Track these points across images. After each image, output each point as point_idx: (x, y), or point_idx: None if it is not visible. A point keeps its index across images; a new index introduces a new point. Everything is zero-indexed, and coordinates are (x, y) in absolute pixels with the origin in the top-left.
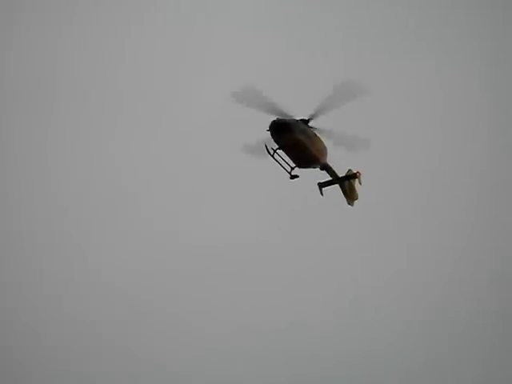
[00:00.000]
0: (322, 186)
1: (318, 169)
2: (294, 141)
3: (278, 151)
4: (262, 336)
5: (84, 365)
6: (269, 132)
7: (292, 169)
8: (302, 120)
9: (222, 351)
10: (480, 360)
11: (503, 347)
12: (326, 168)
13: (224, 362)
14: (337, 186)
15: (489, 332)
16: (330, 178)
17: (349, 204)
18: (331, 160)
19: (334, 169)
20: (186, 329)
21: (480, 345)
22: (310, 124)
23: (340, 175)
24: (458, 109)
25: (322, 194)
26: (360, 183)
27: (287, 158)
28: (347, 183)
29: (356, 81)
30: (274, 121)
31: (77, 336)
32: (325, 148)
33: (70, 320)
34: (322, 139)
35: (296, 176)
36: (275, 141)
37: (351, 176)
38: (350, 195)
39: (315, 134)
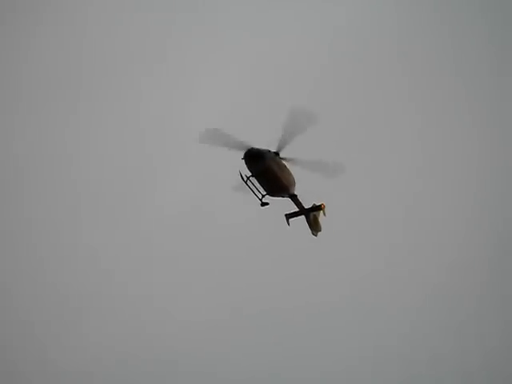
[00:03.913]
0: (288, 217)
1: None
2: (266, 169)
3: (251, 179)
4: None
5: None
6: (243, 160)
7: (263, 196)
8: (274, 152)
9: None
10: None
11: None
12: (293, 198)
13: None
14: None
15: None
16: (297, 209)
17: (313, 234)
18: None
19: (300, 200)
20: None
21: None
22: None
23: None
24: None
25: (288, 224)
26: (324, 214)
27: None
28: (312, 215)
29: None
30: (249, 149)
31: None
32: (293, 179)
33: None
34: (294, 169)
35: (266, 203)
36: (249, 168)
37: (316, 208)
38: (315, 226)
39: (285, 166)
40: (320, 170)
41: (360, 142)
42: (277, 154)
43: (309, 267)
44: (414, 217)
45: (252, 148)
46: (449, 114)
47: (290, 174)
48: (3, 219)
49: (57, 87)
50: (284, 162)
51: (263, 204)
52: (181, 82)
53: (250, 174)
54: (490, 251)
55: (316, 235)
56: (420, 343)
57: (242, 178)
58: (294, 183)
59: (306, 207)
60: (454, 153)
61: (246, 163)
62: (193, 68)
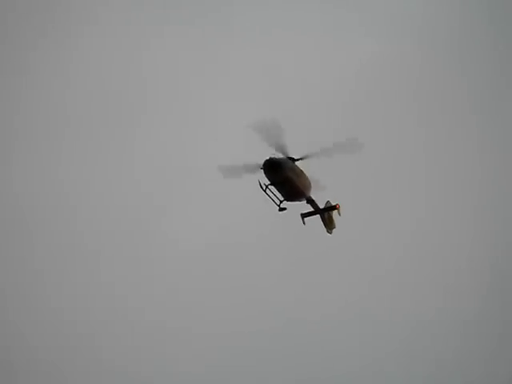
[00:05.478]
0: (304, 216)
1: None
2: (284, 178)
3: (269, 187)
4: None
5: None
6: (262, 170)
7: (281, 202)
8: (290, 158)
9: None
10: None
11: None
12: (310, 201)
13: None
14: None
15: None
16: (312, 209)
17: (327, 232)
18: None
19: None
20: None
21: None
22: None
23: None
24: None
25: (304, 223)
26: (339, 214)
27: (277, 193)
28: (327, 214)
29: (356, 139)
30: (268, 160)
31: None
32: (310, 183)
33: None
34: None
35: (284, 208)
36: (267, 178)
37: (332, 208)
38: (329, 225)
39: (302, 171)
40: (338, 151)
41: (370, 149)
42: (292, 159)
43: (323, 275)
44: (421, 220)
45: (271, 158)
46: (454, 123)
47: (306, 178)
48: (17, 267)
49: (68, 125)
50: (300, 161)
51: (281, 209)
52: (195, 113)
53: (268, 182)
54: (493, 253)
55: (331, 233)
56: (427, 344)
57: (261, 187)
58: (310, 187)
59: (321, 207)
60: (458, 159)
61: (265, 173)
62: (208, 100)
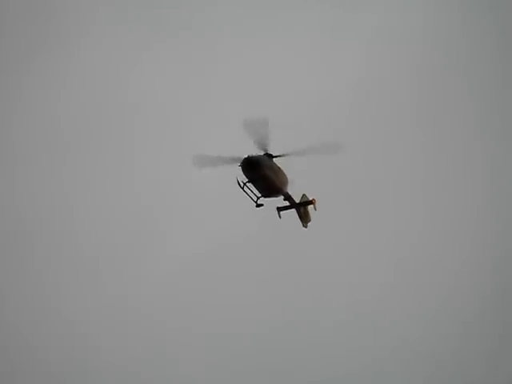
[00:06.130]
0: (280, 209)
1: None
2: (262, 176)
3: (247, 184)
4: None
5: None
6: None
7: (258, 198)
8: (267, 154)
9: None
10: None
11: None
12: (287, 197)
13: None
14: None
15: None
16: (288, 204)
17: (303, 226)
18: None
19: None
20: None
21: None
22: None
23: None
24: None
25: (279, 216)
26: (315, 209)
27: (255, 190)
28: (302, 208)
29: (337, 143)
30: (246, 158)
31: None
32: (287, 179)
33: None
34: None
35: (261, 205)
36: (246, 175)
37: (308, 202)
38: (305, 218)
39: (279, 168)
40: (316, 153)
41: (370, 149)
42: (270, 155)
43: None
44: (421, 221)
45: (249, 156)
46: (455, 124)
47: (283, 175)
48: (19, 274)
49: (67, 130)
50: (278, 158)
51: (258, 205)
52: (194, 114)
53: (246, 179)
54: (494, 254)
55: (306, 227)
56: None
57: (239, 184)
58: (287, 183)
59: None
60: (458, 160)
61: (243, 170)
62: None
